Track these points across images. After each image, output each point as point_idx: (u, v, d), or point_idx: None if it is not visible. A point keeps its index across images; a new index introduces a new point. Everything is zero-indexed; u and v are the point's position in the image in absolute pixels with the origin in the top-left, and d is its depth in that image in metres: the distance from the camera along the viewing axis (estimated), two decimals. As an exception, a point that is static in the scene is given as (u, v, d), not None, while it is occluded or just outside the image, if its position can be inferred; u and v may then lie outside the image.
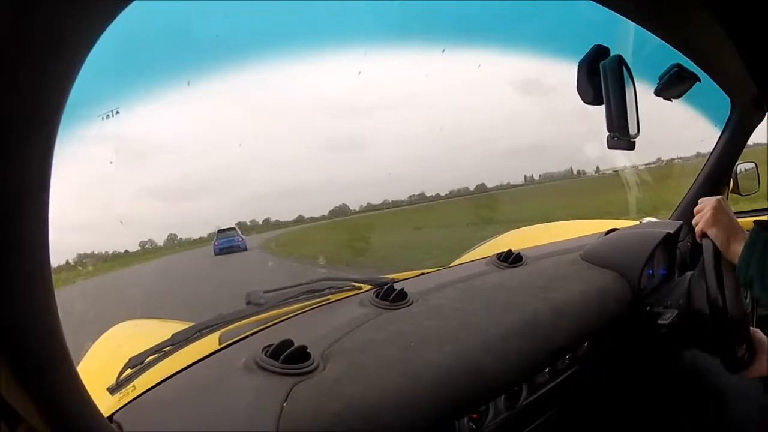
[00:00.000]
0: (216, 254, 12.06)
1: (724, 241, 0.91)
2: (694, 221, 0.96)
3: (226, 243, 12.28)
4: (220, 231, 12.96)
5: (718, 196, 0.96)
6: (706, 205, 0.95)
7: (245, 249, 12.34)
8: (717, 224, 0.92)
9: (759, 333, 0.98)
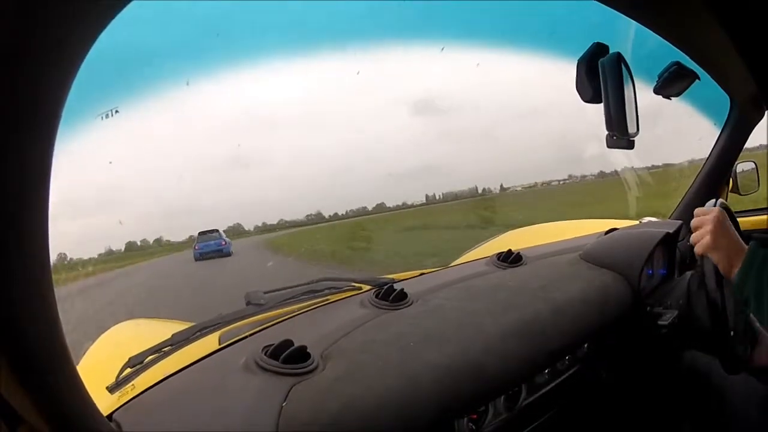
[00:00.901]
0: (197, 259, 11.03)
1: (725, 265, 0.86)
2: (692, 239, 0.92)
3: (207, 247, 11.26)
4: (201, 233, 11.83)
5: (716, 209, 0.91)
6: (704, 222, 0.90)
7: (229, 253, 11.33)
8: (717, 248, 0.87)
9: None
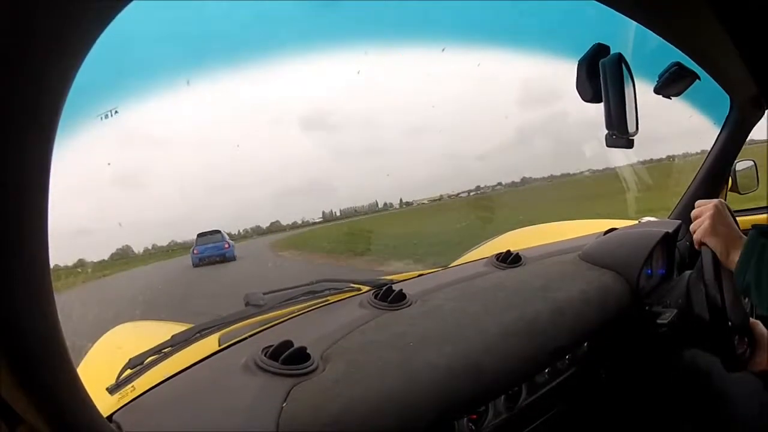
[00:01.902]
0: (195, 265, 9.59)
1: (723, 251, 0.88)
2: (691, 228, 0.94)
3: (208, 251, 9.93)
4: (200, 235, 10.35)
5: (716, 200, 0.93)
6: (704, 210, 0.92)
7: (233, 258, 10.00)
8: (715, 234, 0.89)
9: (760, 326, 0.97)
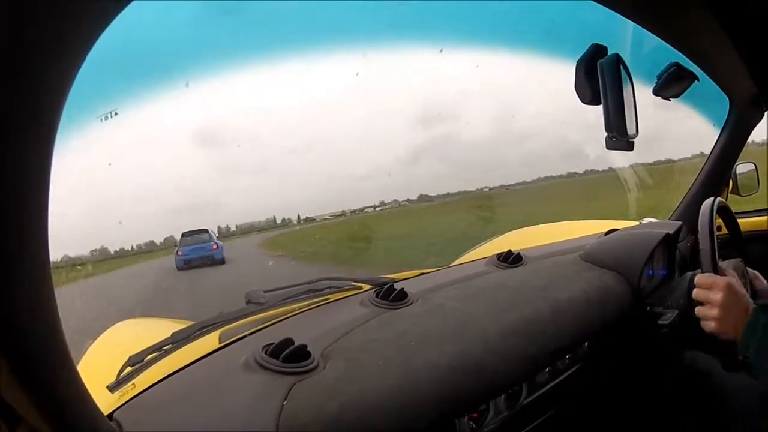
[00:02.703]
0: (179, 268, 8.52)
1: (736, 337, 0.86)
2: (698, 313, 0.90)
3: (194, 252, 8.86)
4: (186, 234, 9.23)
5: (725, 279, 0.88)
6: (711, 296, 0.88)
7: (222, 261, 8.92)
8: (727, 326, 0.86)
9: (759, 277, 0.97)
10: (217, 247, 9.27)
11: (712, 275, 0.91)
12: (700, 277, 0.91)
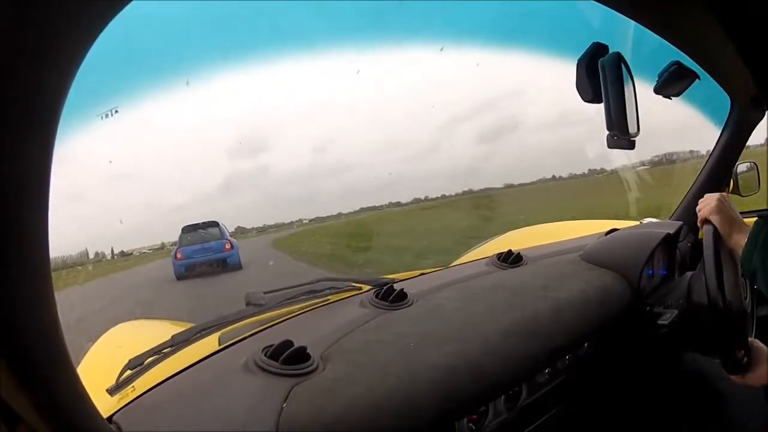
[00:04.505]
0: (179, 277, 6.33)
1: (726, 229, 0.93)
2: (697, 208, 0.99)
3: (200, 254, 6.62)
4: (188, 229, 6.98)
5: (723, 193, 0.99)
6: (710, 197, 0.98)
7: (239, 265, 6.66)
8: (721, 212, 0.94)
9: (758, 342, 0.98)
10: (231, 246, 6.93)
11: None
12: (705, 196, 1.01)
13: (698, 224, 0.99)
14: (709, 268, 0.92)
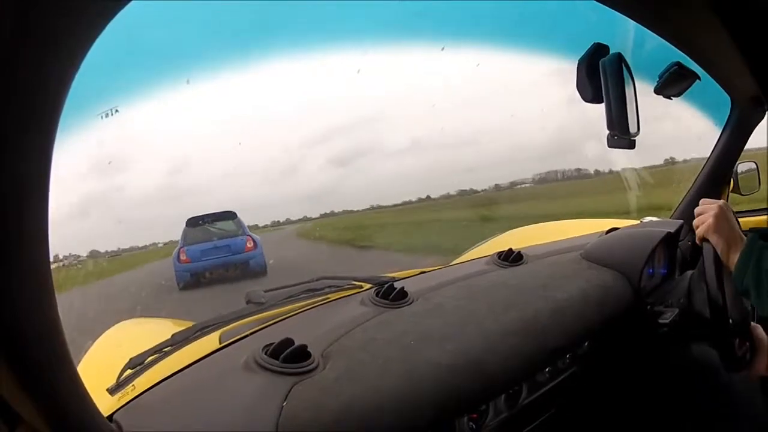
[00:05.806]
0: (183, 286, 4.98)
1: (724, 249, 0.90)
2: (694, 223, 0.95)
3: (212, 254, 5.15)
4: (193, 222, 5.50)
5: (721, 201, 0.95)
6: (708, 209, 0.94)
7: (263, 270, 5.13)
8: (718, 231, 0.91)
9: (759, 330, 0.97)
10: (255, 244, 5.39)
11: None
12: (702, 200, 0.98)
13: (697, 241, 0.96)
14: (711, 284, 0.91)
